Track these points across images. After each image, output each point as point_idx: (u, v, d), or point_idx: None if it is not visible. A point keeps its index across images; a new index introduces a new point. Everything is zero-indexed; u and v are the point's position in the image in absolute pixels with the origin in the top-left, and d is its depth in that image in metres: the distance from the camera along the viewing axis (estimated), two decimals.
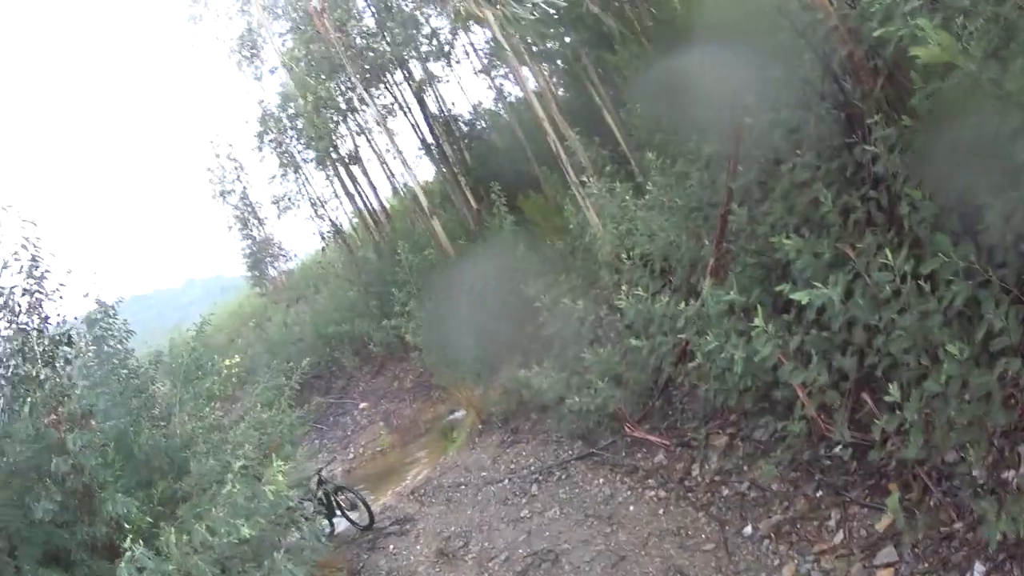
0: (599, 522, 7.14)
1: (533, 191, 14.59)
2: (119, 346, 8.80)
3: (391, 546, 9.12)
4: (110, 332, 8.73)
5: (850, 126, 6.13)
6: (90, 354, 8.33)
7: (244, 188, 23.69)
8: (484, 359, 13.74)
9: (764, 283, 6.57)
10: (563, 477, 8.49)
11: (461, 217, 18.71)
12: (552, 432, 9.75)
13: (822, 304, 5.25)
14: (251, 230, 24.63)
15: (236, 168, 23.46)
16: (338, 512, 10.54)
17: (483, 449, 11.31)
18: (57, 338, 7.09)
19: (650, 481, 7.30)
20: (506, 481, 9.25)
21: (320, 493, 10.52)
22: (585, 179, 11.89)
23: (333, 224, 22.10)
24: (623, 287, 8.87)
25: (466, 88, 36.43)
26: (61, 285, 7.33)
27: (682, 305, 7.12)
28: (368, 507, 10.19)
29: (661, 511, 6.74)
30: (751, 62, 6.67)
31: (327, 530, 10.61)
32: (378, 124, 19.22)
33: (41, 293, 7.07)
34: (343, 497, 10.55)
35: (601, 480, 7.90)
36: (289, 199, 21.76)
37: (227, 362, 13.10)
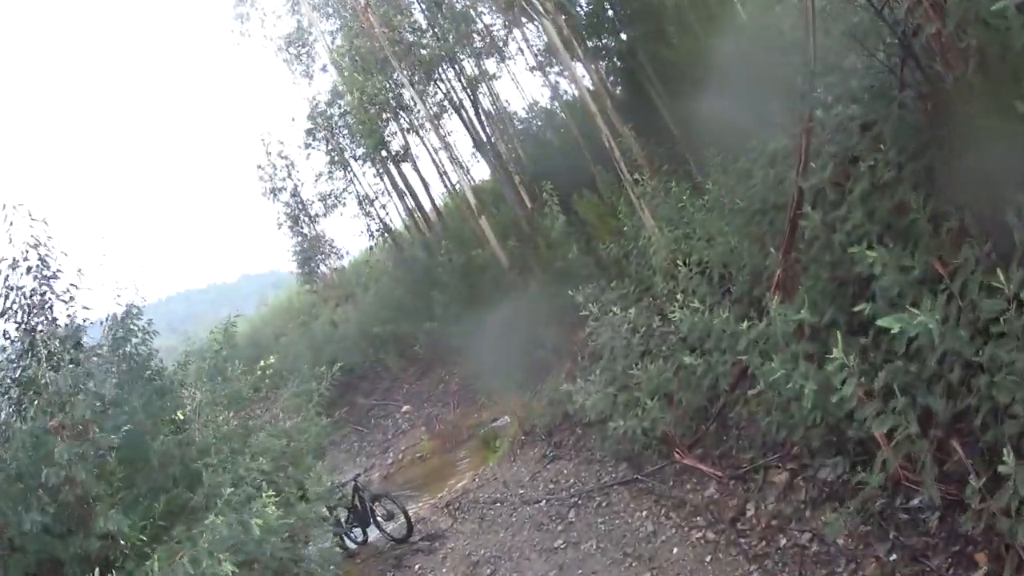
0: (638, 564, 6.34)
1: (588, 191, 13.86)
2: (142, 347, 8.46)
3: (417, 565, 8.56)
4: (132, 332, 8.40)
5: (938, 118, 5.25)
6: (102, 356, 7.97)
7: (295, 186, 23.52)
8: (530, 367, 13.14)
9: (839, 300, 5.70)
10: (604, 504, 7.74)
11: (514, 217, 18.11)
12: (596, 450, 9.02)
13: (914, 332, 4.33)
14: (301, 227, 24.47)
15: (287, 166, 23.31)
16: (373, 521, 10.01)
17: (523, 463, 10.66)
18: (65, 339, 6.72)
19: (698, 519, 6.47)
20: (544, 502, 8.57)
21: (355, 500, 10.06)
22: (639, 177, 11.12)
23: (382, 222, 21.77)
24: (678, 296, 8.11)
25: (521, 85, 35.77)
26: (72, 286, 6.99)
27: (744, 324, 6.28)
28: (408, 517, 9.61)
29: (708, 558, 5.89)
30: (822, 47, 5.84)
31: (359, 539, 10.22)
32: (429, 122, 18.76)
33: (51, 293, 6.78)
34: (380, 505, 10.02)
35: (644, 512, 7.13)
36: (336, 196, 21.53)
37: (261, 362, 12.78)
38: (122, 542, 5.98)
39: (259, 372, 11.98)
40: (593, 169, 14.14)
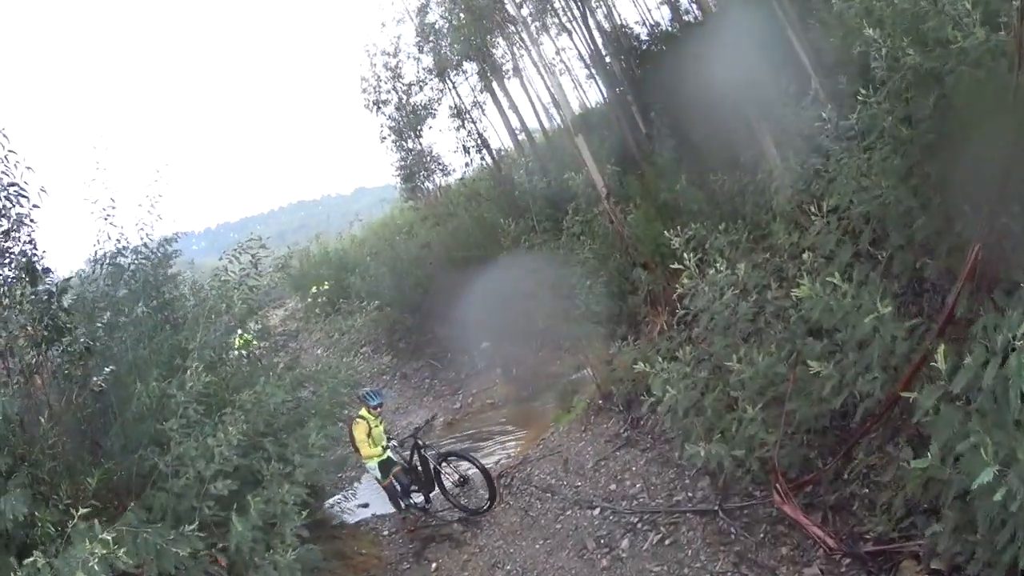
0: None
1: (702, 114, 11.08)
2: (150, 276, 7.01)
3: (436, 563, 6.87)
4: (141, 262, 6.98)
5: None
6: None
7: (400, 98, 21.67)
8: (620, 314, 10.94)
9: None
10: (667, 539, 5.62)
11: (623, 141, 15.48)
12: (676, 449, 6.81)
13: None
14: (405, 141, 22.77)
15: (391, 77, 21.44)
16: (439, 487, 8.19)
17: (593, 438, 8.66)
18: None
19: None
20: (597, 512, 6.55)
21: (415, 459, 8.16)
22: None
23: (480, 137, 19.65)
24: (804, 256, 5.63)
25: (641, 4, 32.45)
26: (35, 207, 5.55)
27: (908, 322, 3.80)
28: (492, 484, 7.70)
29: None
30: None
31: (419, 504, 8.23)
32: (535, 34, 16.18)
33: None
34: (449, 466, 8.08)
35: (717, 568, 4.94)
36: (426, 107, 19.57)
37: (313, 288, 11.34)
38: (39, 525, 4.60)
39: (309, 300, 10.55)
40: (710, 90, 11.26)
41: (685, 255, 6.77)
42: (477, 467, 7.82)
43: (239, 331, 9.11)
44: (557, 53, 18.40)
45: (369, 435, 7.78)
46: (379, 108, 22.43)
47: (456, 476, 8.05)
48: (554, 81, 15.57)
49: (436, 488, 8.16)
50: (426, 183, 24.98)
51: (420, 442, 8.22)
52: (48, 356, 5.56)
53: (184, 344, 6.20)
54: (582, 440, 8.82)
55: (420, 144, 23.52)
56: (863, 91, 5.30)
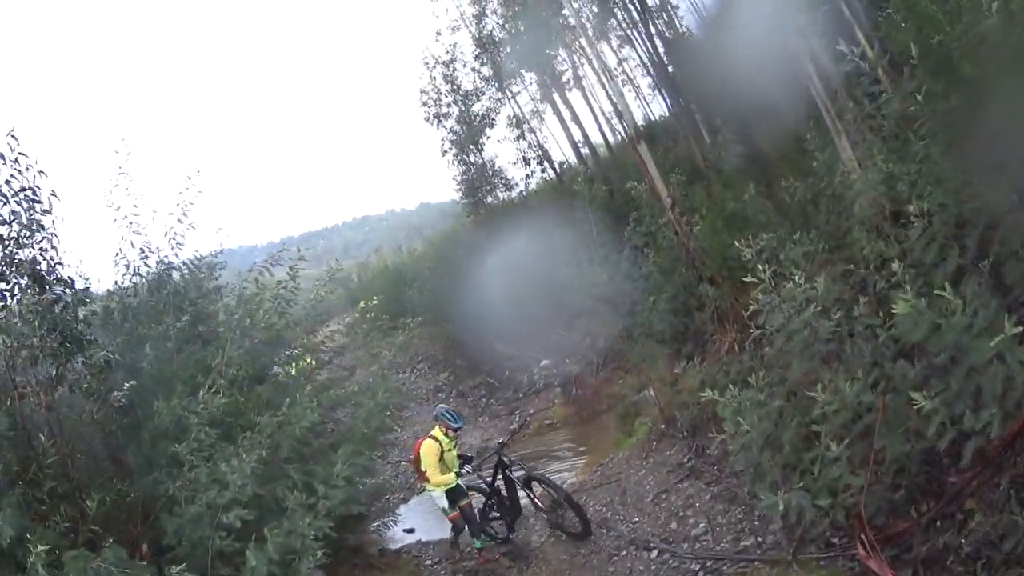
0: None
1: (770, 120, 10.27)
2: (180, 288, 6.75)
3: None
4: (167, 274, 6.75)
5: None
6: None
7: (460, 111, 21.42)
8: (685, 330, 10.15)
9: None
10: None
11: (687, 150, 14.68)
12: (744, 484, 6.01)
13: None
14: (467, 155, 22.47)
15: (451, 90, 21.21)
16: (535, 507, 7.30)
17: (654, 467, 7.93)
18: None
19: None
20: (654, 554, 5.82)
21: (497, 478, 7.18)
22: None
23: (540, 148, 19.14)
24: (895, 266, 4.83)
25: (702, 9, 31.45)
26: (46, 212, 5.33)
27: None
28: (582, 513, 6.72)
29: None
30: None
31: (500, 535, 7.32)
32: (595, 42, 15.61)
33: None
34: (542, 493, 7.12)
35: None
36: (485, 117, 19.20)
37: (362, 303, 10.95)
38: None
39: (356, 315, 10.20)
40: (777, 94, 10.44)
41: (759, 267, 6.01)
42: (557, 493, 6.94)
43: (294, 352, 8.76)
44: (620, 63, 17.80)
45: (441, 458, 6.78)
46: (440, 121, 22.26)
47: (549, 500, 7.04)
48: (616, 90, 14.94)
49: (521, 514, 7.24)
50: (488, 198, 24.61)
51: (505, 459, 7.18)
52: (68, 368, 5.27)
53: (208, 360, 5.84)
54: (642, 468, 8.10)
55: (481, 157, 23.22)
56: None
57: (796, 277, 5.71)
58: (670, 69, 16.17)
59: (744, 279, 6.23)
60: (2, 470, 4.47)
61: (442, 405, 7.49)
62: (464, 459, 7.16)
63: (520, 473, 7.21)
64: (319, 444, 6.31)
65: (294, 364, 7.47)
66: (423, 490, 7.44)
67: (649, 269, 10.11)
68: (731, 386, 5.60)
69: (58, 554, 4.06)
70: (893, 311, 4.26)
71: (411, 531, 8.74)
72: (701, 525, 5.94)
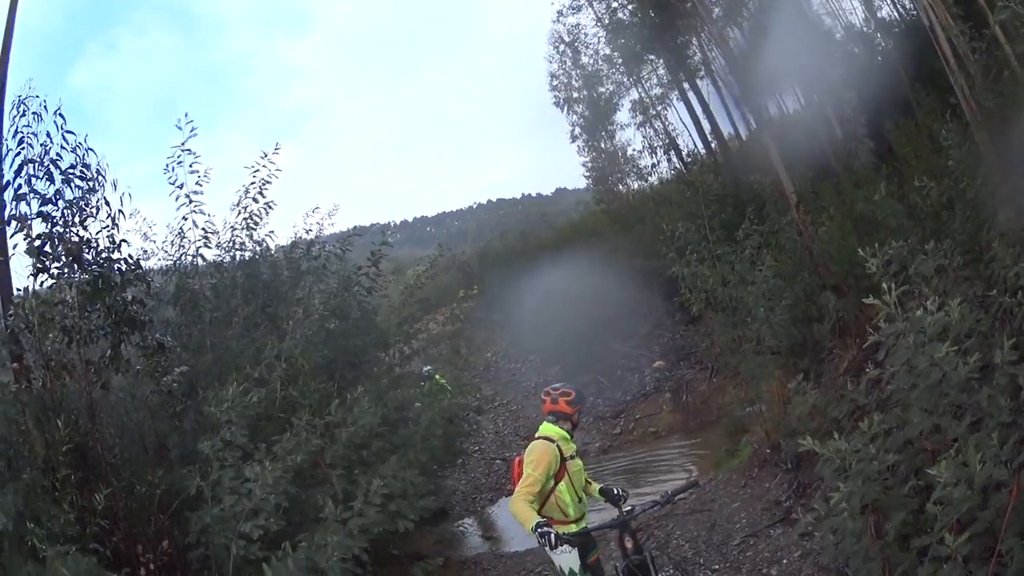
0: None
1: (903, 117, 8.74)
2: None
3: None
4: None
5: None
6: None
7: (589, 94, 20.48)
8: (803, 342, 8.87)
9: None
10: None
11: (819, 149, 13.00)
12: (840, 557, 4.90)
13: None
14: (597, 141, 21.55)
15: (580, 75, 20.32)
16: None
17: (748, 501, 6.95)
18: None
19: None
20: None
21: (623, 567, 4.06)
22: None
23: (668, 137, 17.87)
24: None
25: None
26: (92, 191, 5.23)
27: None
28: None
29: None
30: None
31: None
32: (722, 28, 14.20)
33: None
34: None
35: None
36: (610, 99, 18.18)
37: (461, 292, 10.58)
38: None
39: (455, 305, 9.84)
40: (910, 91, 8.82)
41: (883, 284, 4.72)
42: None
43: (427, 369, 8.50)
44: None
45: (568, 479, 3.99)
46: (569, 107, 21.49)
47: None
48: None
49: None
50: (619, 186, 23.57)
51: (630, 522, 4.15)
52: (121, 350, 5.16)
53: (268, 350, 5.56)
54: (738, 500, 7.11)
55: (612, 144, 22.23)
56: None
57: (927, 303, 4.44)
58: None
59: (866, 299, 5.02)
60: (13, 454, 4.39)
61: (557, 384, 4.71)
62: (609, 495, 4.36)
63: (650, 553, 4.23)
64: (379, 447, 5.80)
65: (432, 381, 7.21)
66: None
67: (765, 274, 8.86)
68: (835, 434, 4.46)
69: (53, 548, 3.87)
70: None
71: (490, 538, 8.28)
72: None
